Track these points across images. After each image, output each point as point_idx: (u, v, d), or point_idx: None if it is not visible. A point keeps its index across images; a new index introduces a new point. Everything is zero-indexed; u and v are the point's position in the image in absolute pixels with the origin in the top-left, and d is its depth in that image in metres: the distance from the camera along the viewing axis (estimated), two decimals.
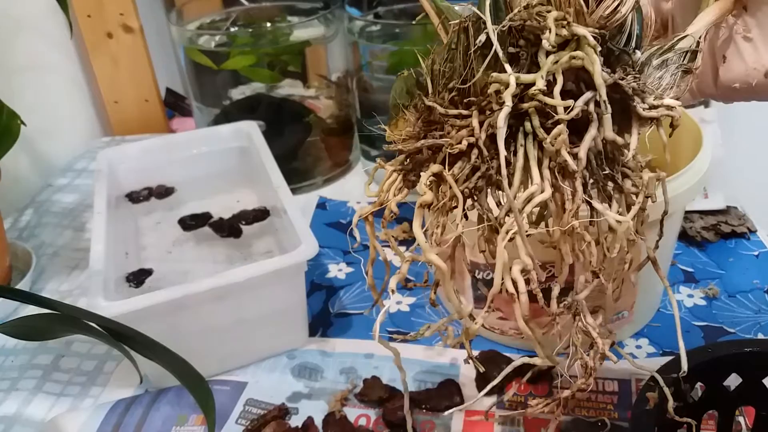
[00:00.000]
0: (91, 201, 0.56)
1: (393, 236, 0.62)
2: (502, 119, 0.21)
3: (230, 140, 0.64)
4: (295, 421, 0.43)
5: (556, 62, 0.21)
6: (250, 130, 0.63)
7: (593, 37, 0.21)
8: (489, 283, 0.46)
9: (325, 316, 0.53)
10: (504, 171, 0.21)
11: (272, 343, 0.49)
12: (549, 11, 0.21)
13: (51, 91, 0.82)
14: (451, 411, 0.27)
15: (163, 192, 0.62)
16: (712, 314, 0.50)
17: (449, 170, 0.22)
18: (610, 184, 0.23)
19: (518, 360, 0.22)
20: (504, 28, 0.22)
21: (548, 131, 0.22)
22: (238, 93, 0.71)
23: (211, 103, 0.72)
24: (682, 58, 0.26)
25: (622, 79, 0.22)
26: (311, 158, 0.72)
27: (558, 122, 0.21)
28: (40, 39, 0.79)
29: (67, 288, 0.59)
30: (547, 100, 0.21)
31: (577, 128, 0.22)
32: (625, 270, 0.24)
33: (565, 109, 0.21)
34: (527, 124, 0.22)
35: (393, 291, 0.24)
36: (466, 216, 0.23)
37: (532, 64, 0.22)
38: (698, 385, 0.35)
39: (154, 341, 0.37)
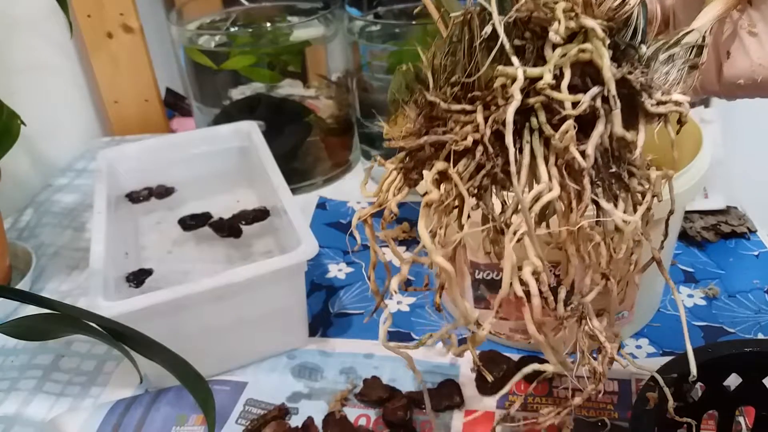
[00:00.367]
0: (91, 201, 0.56)
1: (392, 237, 0.62)
2: (511, 113, 0.20)
3: (230, 140, 0.64)
4: (295, 421, 0.43)
5: (564, 55, 0.21)
6: (250, 130, 0.63)
7: (602, 29, 0.20)
8: (489, 284, 0.46)
9: (325, 316, 0.53)
10: (513, 167, 0.20)
11: (272, 343, 0.49)
12: (557, 2, 0.21)
13: (51, 91, 0.82)
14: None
15: (163, 192, 0.62)
16: (712, 314, 0.50)
17: (454, 168, 0.22)
18: (616, 183, 0.23)
19: (528, 368, 0.21)
20: (510, 20, 0.21)
21: (555, 128, 0.21)
22: (238, 93, 0.71)
23: (211, 103, 0.72)
24: (688, 53, 0.25)
25: (630, 73, 0.22)
26: (311, 158, 0.72)
27: (565, 118, 0.21)
28: (40, 39, 0.79)
29: (67, 288, 0.59)
30: (555, 94, 0.21)
31: (582, 126, 0.21)
32: (630, 271, 0.24)
33: (573, 104, 0.21)
34: (533, 120, 0.21)
35: (395, 292, 0.23)
36: (468, 216, 0.23)
37: (538, 57, 0.21)
38: (698, 385, 0.35)
39: (154, 341, 0.37)
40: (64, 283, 0.60)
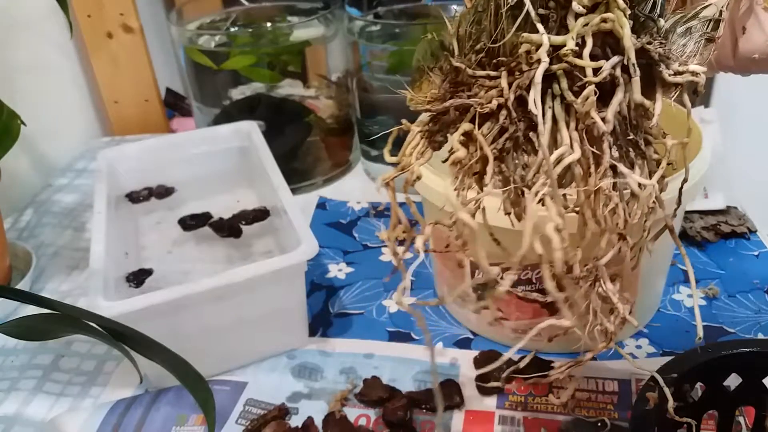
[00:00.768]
0: (91, 201, 0.56)
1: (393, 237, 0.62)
2: (539, 74, 0.21)
3: (230, 140, 0.64)
4: (295, 421, 0.43)
5: (587, 24, 0.21)
6: (250, 130, 0.63)
7: (623, 0, 0.21)
8: (489, 284, 0.46)
9: (325, 316, 0.53)
10: (541, 126, 0.21)
11: (272, 343, 0.49)
12: None
13: (51, 91, 0.82)
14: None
15: (163, 192, 0.62)
16: (712, 314, 0.50)
17: (478, 130, 0.23)
18: (634, 151, 0.24)
19: (545, 323, 0.22)
20: None
21: (576, 95, 0.22)
22: (238, 93, 0.71)
23: (211, 103, 0.72)
24: (705, 27, 0.26)
25: (649, 44, 0.23)
26: (311, 158, 0.72)
27: (585, 85, 0.22)
28: (40, 39, 0.79)
29: (67, 288, 0.59)
30: (577, 61, 0.21)
31: (602, 95, 0.22)
32: (644, 237, 0.24)
33: (594, 72, 0.21)
34: (555, 87, 0.22)
35: (419, 251, 0.24)
36: (491, 177, 0.23)
37: (561, 26, 0.22)
38: (698, 385, 0.35)
39: (154, 341, 0.37)
40: (64, 283, 0.60)
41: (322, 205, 0.68)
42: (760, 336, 0.48)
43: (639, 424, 0.31)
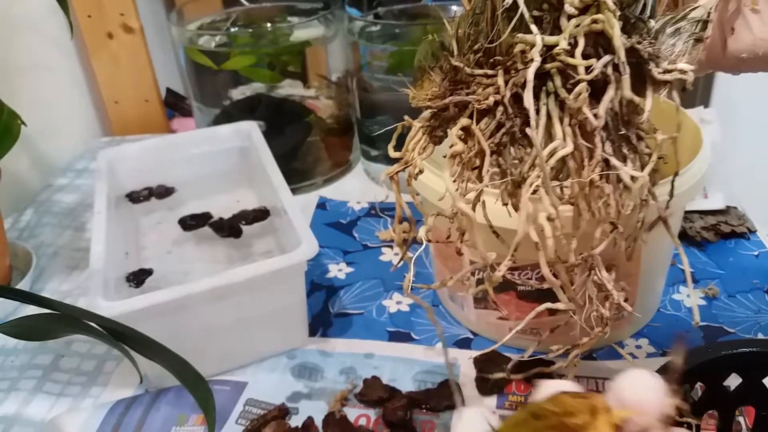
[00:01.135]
0: (91, 201, 0.56)
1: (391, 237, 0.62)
2: (531, 72, 0.22)
3: (230, 140, 0.64)
4: (295, 421, 0.43)
5: (578, 25, 0.22)
6: (251, 130, 0.63)
7: (613, 2, 0.22)
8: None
9: (325, 316, 0.53)
10: (534, 121, 0.22)
11: (272, 343, 0.49)
12: None
13: (51, 91, 0.82)
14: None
15: (164, 192, 0.63)
16: (712, 314, 0.50)
17: (476, 125, 0.24)
18: (626, 145, 0.25)
19: (542, 306, 0.23)
20: None
21: (569, 92, 0.23)
22: (238, 93, 0.71)
23: (211, 103, 0.72)
24: (694, 27, 0.27)
25: (639, 43, 0.24)
26: (311, 158, 0.72)
27: (578, 83, 0.23)
28: (40, 39, 0.79)
29: (67, 288, 0.59)
30: (570, 60, 0.22)
31: (594, 93, 0.23)
32: (637, 228, 0.25)
33: (587, 71, 0.22)
34: (549, 84, 0.23)
35: (422, 240, 0.25)
36: (488, 169, 0.24)
37: (554, 27, 0.23)
38: (698, 385, 0.35)
39: (154, 341, 0.37)
40: (64, 283, 0.60)
41: (322, 205, 0.68)
42: (760, 336, 0.48)
43: None
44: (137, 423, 0.44)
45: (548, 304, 0.23)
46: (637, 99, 0.23)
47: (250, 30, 0.73)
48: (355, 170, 0.75)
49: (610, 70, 0.23)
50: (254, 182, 0.63)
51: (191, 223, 0.58)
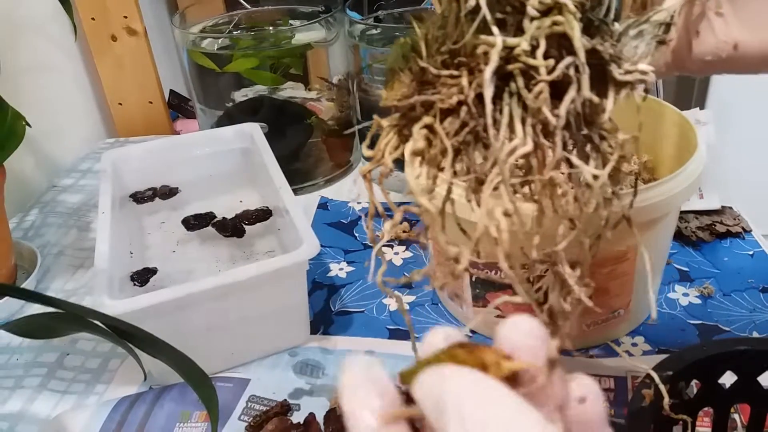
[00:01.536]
0: (95, 201, 0.57)
1: (392, 236, 0.62)
2: (488, 73, 0.23)
3: (233, 142, 0.65)
4: (297, 418, 0.44)
5: (539, 27, 0.23)
6: (253, 131, 0.64)
7: (574, 5, 0.23)
8: (486, 283, 0.47)
9: (327, 314, 0.54)
10: (489, 120, 0.23)
11: (274, 340, 0.49)
12: None
13: (56, 93, 0.82)
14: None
15: (167, 192, 0.63)
16: (707, 313, 0.51)
17: (440, 124, 0.24)
18: (589, 145, 0.25)
19: (500, 299, 0.23)
20: None
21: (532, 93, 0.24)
22: (240, 95, 0.71)
23: (214, 105, 0.72)
24: (657, 30, 0.28)
25: (600, 45, 0.24)
26: (313, 159, 0.73)
27: (540, 83, 0.23)
28: (44, 41, 0.80)
29: (72, 287, 0.60)
30: (530, 61, 0.23)
31: (560, 94, 0.24)
32: (602, 226, 0.26)
33: (547, 71, 0.23)
34: (512, 85, 0.24)
35: (383, 235, 0.25)
36: (455, 173, 0.25)
37: (518, 30, 0.24)
38: (694, 382, 0.35)
39: (158, 339, 0.38)
40: (69, 282, 0.60)
41: (323, 205, 0.69)
42: (755, 334, 0.48)
43: (635, 421, 0.32)
44: (141, 420, 0.44)
45: (506, 297, 0.24)
46: (596, 99, 0.24)
47: (253, 33, 0.74)
48: (355, 171, 0.76)
49: (572, 71, 0.23)
50: (257, 183, 0.63)
51: (195, 223, 0.59)
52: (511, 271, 0.22)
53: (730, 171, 0.60)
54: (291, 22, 0.74)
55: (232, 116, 0.70)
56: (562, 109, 0.23)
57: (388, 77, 0.27)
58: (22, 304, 0.56)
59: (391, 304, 0.54)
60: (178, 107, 0.96)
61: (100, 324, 0.37)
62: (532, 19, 0.23)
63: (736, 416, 0.41)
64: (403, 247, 0.61)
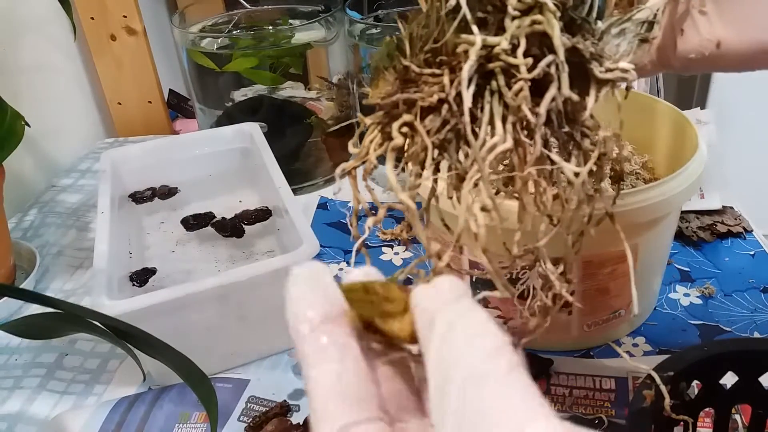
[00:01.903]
0: (94, 201, 0.57)
1: (393, 236, 0.62)
2: (466, 72, 0.23)
3: (232, 141, 0.65)
4: (297, 418, 0.44)
5: (519, 26, 0.23)
6: (252, 131, 0.64)
7: (554, 4, 0.23)
8: (487, 283, 0.46)
9: None
10: (467, 118, 0.23)
11: (274, 341, 0.49)
12: None
13: (55, 93, 0.82)
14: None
15: (167, 192, 0.63)
16: (708, 313, 0.51)
17: (421, 123, 0.25)
18: (570, 142, 0.25)
19: (480, 295, 0.24)
20: None
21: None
22: (240, 95, 0.71)
23: (213, 104, 0.72)
24: (639, 28, 0.29)
25: (581, 43, 0.24)
26: (312, 159, 0.73)
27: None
28: (44, 41, 0.80)
29: (70, 287, 0.60)
30: (510, 59, 0.23)
31: (542, 92, 0.24)
32: (584, 223, 0.26)
33: (528, 69, 0.23)
34: (494, 83, 0.24)
35: (368, 228, 0.26)
36: (438, 168, 0.25)
37: (499, 28, 0.24)
38: (695, 383, 0.35)
39: (157, 339, 0.37)
40: (68, 283, 0.60)
41: (323, 205, 0.69)
42: (756, 335, 0.48)
43: (636, 422, 0.32)
44: (140, 420, 0.44)
45: (486, 293, 0.24)
46: (575, 97, 0.24)
47: (252, 32, 0.73)
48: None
49: (553, 69, 0.23)
50: (256, 183, 0.63)
51: (194, 223, 0.59)
52: (489, 265, 0.22)
53: (731, 171, 0.60)
54: (291, 21, 0.74)
55: (231, 116, 0.70)
56: (543, 107, 0.23)
57: (374, 75, 0.27)
58: (21, 304, 0.56)
59: None
60: (177, 107, 0.96)
61: (99, 324, 0.37)
62: (513, 18, 0.23)
63: (737, 417, 0.41)
64: (404, 248, 0.61)
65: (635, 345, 0.48)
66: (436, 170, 0.26)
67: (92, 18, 0.83)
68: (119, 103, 0.89)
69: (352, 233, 0.28)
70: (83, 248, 0.64)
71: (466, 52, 0.23)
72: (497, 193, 0.28)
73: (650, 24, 0.29)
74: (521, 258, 0.25)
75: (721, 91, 1.18)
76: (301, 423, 0.43)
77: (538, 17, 0.23)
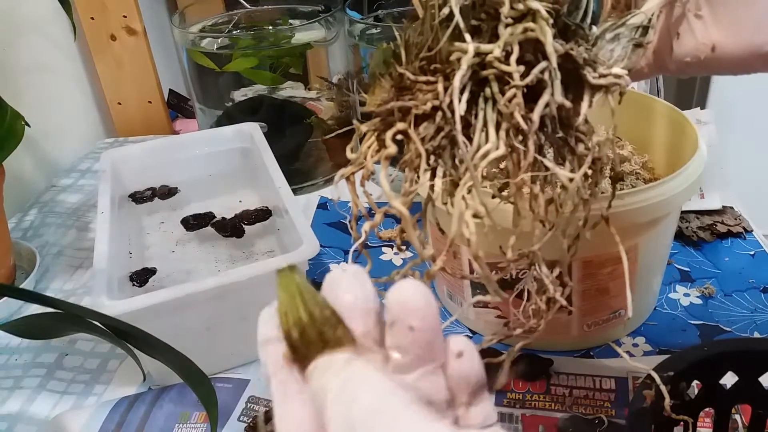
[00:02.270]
0: (94, 201, 0.57)
1: (392, 236, 0.62)
2: (457, 80, 0.23)
3: (232, 141, 0.65)
4: None
5: (512, 34, 0.23)
6: (252, 131, 0.64)
7: (546, 11, 0.23)
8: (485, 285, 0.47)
9: None
10: (458, 126, 0.23)
11: None
12: None
13: (55, 93, 0.82)
14: None
15: (167, 192, 0.63)
16: (708, 313, 0.51)
17: (415, 130, 0.25)
18: (564, 148, 0.26)
19: (474, 299, 0.24)
20: (467, 2, 0.24)
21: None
22: (240, 95, 0.71)
23: (213, 104, 0.72)
24: (633, 33, 0.29)
25: (573, 49, 0.25)
26: (312, 159, 0.73)
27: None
28: (44, 41, 0.80)
29: (70, 287, 0.60)
30: (503, 66, 0.23)
31: (535, 98, 0.24)
32: (579, 227, 0.26)
33: (521, 76, 0.23)
34: (487, 90, 0.24)
35: (366, 232, 0.26)
36: (434, 173, 0.25)
37: (493, 36, 0.24)
38: (695, 383, 0.35)
39: (157, 339, 0.37)
40: (68, 283, 0.60)
41: (323, 205, 0.69)
42: (756, 335, 0.48)
43: (636, 422, 0.32)
44: (140, 420, 0.44)
45: (480, 297, 0.24)
46: (568, 103, 0.24)
47: (252, 32, 0.74)
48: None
49: (547, 76, 0.23)
50: (256, 183, 0.63)
51: (194, 223, 0.59)
52: (482, 270, 0.22)
53: (731, 171, 0.60)
54: (291, 21, 0.74)
55: (231, 116, 0.70)
56: (536, 114, 0.23)
57: (371, 82, 0.27)
58: (21, 304, 0.56)
59: None
60: (177, 107, 0.96)
61: (99, 324, 0.37)
62: (507, 25, 0.23)
63: (737, 417, 0.41)
64: (404, 248, 0.61)
65: (635, 345, 0.48)
66: (433, 176, 0.26)
67: (92, 18, 0.83)
68: (119, 103, 0.89)
69: (353, 236, 0.28)
70: (83, 248, 0.64)
71: (459, 60, 0.23)
72: (493, 197, 0.28)
73: (645, 29, 0.29)
74: (516, 261, 0.25)
75: (721, 91, 1.18)
76: None
77: (531, 24, 0.23)
